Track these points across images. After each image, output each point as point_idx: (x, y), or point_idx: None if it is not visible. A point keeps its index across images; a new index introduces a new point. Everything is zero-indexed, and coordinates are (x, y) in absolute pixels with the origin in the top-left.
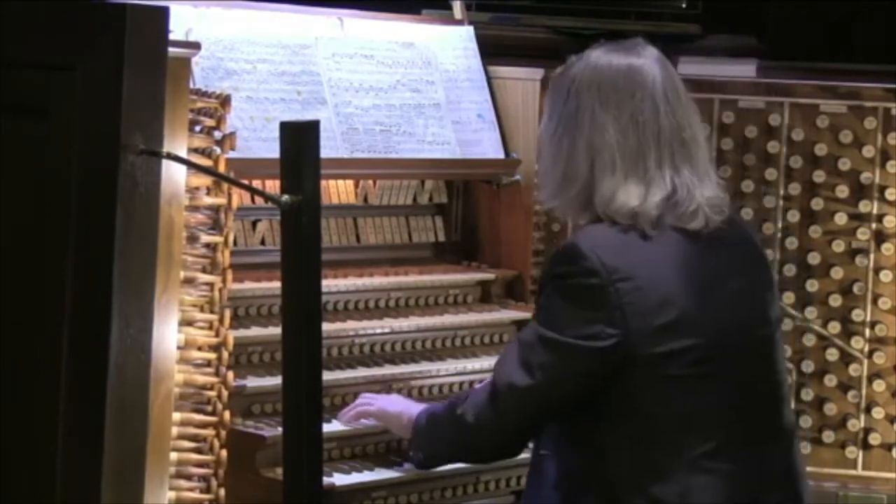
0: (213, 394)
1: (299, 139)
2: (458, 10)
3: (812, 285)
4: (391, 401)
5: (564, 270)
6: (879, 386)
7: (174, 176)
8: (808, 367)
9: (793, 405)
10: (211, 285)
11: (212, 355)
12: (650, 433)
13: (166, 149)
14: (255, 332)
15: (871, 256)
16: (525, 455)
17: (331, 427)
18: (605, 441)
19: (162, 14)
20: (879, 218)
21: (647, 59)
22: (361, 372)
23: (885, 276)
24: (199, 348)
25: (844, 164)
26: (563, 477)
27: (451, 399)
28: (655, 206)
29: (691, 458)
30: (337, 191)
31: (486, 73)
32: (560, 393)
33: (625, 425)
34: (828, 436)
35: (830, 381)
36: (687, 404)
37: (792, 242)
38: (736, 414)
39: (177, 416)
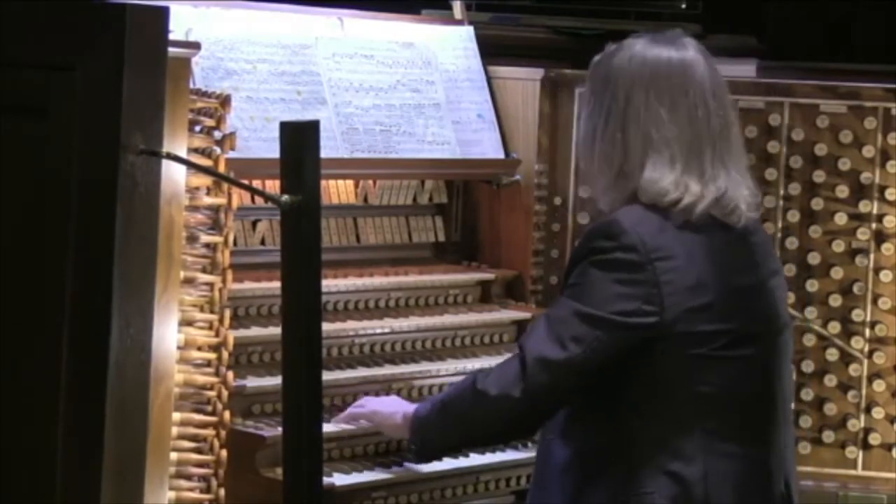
0: (213, 394)
1: (299, 139)
2: (458, 10)
3: (812, 285)
4: (384, 402)
5: (604, 245)
6: (879, 386)
7: (174, 176)
8: (808, 367)
9: (793, 405)
10: (211, 285)
11: (212, 355)
12: (674, 413)
13: (166, 149)
14: (255, 332)
15: (871, 256)
16: (526, 454)
17: (331, 427)
18: (628, 420)
19: (162, 14)
20: (879, 218)
21: (693, 53)
22: (361, 372)
23: (885, 276)
24: (199, 348)
25: (844, 164)
26: (577, 459)
27: (462, 382)
28: (707, 201)
29: (713, 439)
30: (337, 191)
31: (486, 73)
32: (592, 367)
33: (649, 404)
34: (828, 436)
35: (830, 381)
36: (712, 386)
37: (792, 242)
38: (757, 400)
39: (177, 416)
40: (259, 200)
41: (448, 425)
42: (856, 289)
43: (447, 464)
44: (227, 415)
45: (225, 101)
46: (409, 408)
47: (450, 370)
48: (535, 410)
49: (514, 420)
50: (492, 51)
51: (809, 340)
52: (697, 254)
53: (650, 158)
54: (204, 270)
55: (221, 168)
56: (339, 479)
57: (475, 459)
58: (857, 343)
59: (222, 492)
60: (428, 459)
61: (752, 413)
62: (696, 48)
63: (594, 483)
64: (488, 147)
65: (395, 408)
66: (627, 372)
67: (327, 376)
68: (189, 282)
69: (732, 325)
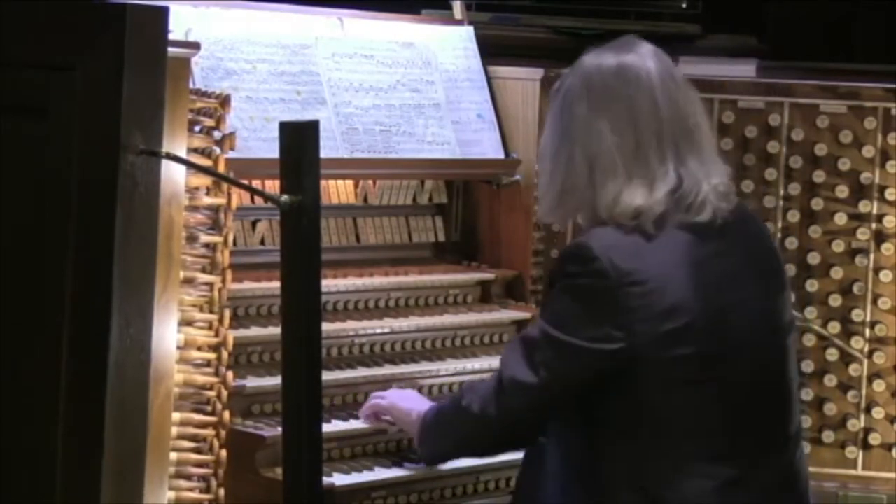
0: (212, 394)
1: (299, 139)
2: (458, 10)
3: (812, 285)
4: (403, 396)
5: (575, 270)
6: (879, 386)
7: (174, 176)
8: (808, 367)
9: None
10: (211, 285)
11: (211, 355)
12: (653, 436)
13: (166, 149)
14: (255, 332)
15: (871, 256)
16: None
17: (331, 427)
18: (607, 437)
19: (162, 14)
20: (879, 218)
21: (638, 55)
22: (361, 372)
23: (885, 276)
24: (199, 348)
25: (844, 164)
26: (563, 467)
27: (458, 392)
28: (659, 201)
29: (693, 462)
30: (337, 191)
31: (486, 73)
32: (563, 391)
33: (627, 423)
34: (828, 436)
35: (830, 381)
36: (691, 409)
37: (792, 242)
38: (742, 420)
39: (177, 416)
40: (259, 200)
41: (441, 436)
42: (856, 289)
43: (447, 463)
44: (226, 415)
45: (225, 101)
46: (424, 407)
47: (450, 370)
48: (513, 429)
49: (498, 438)
50: (492, 51)
51: (809, 340)
52: (676, 273)
53: (597, 175)
54: (204, 270)
55: (221, 168)
56: (339, 479)
57: (475, 459)
58: (857, 343)
59: (222, 492)
60: (430, 463)
61: (739, 435)
62: (647, 50)
63: (576, 491)
64: (488, 147)
65: (412, 405)
66: (606, 391)
67: (327, 376)
68: (189, 282)
69: (713, 345)
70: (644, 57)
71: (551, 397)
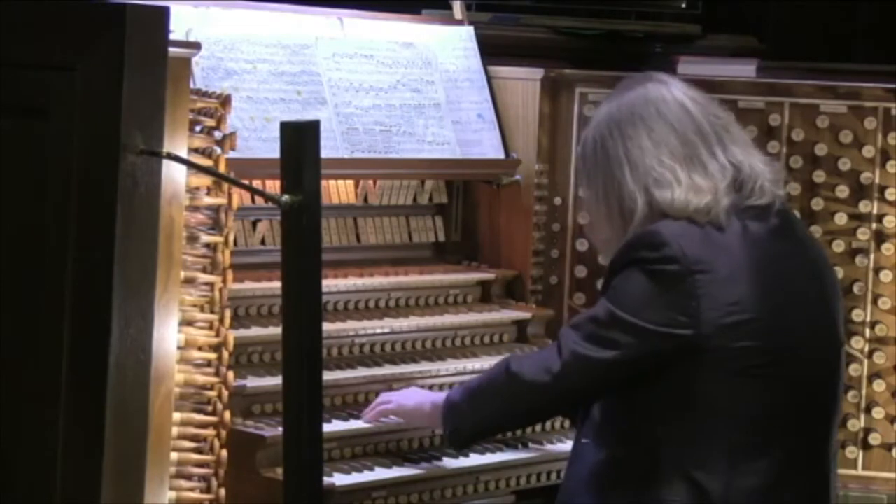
0: (213, 394)
1: (299, 139)
2: (458, 10)
3: None
4: (405, 395)
5: (646, 255)
6: (879, 386)
7: (174, 176)
8: None
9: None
10: (211, 285)
11: (212, 355)
12: (705, 425)
13: (166, 149)
14: (255, 332)
15: (871, 256)
16: (526, 455)
17: (331, 427)
18: (658, 427)
19: (162, 14)
20: (879, 218)
21: (652, 81)
22: (361, 372)
23: (885, 276)
24: (200, 348)
25: (844, 164)
26: (606, 463)
27: (492, 368)
28: (725, 192)
29: (741, 455)
30: (337, 191)
31: (486, 73)
32: (621, 372)
33: (680, 414)
34: None
35: None
36: (746, 402)
37: None
38: (792, 421)
39: (177, 416)
40: (259, 200)
41: (479, 409)
42: (856, 289)
43: (447, 464)
44: (227, 415)
45: (225, 101)
46: (434, 396)
47: (450, 370)
48: (563, 399)
49: (543, 404)
50: (492, 51)
51: None
52: (741, 265)
53: (654, 190)
54: (204, 270)
55: (221, 168)
56: (339, 479)
57: (475, 459)
58: (857, 343)
59: (222, 492)
60: (461, 446)
61: (790, 433)
62: (656, 77)
63: (619, 487)
64: (488, 147)
65: (419, 399)
66: (661, 381)
67: (327, 376)
68: (189, 282)
69: (774, 341)
70: (658, 82)
71: (611, 376)
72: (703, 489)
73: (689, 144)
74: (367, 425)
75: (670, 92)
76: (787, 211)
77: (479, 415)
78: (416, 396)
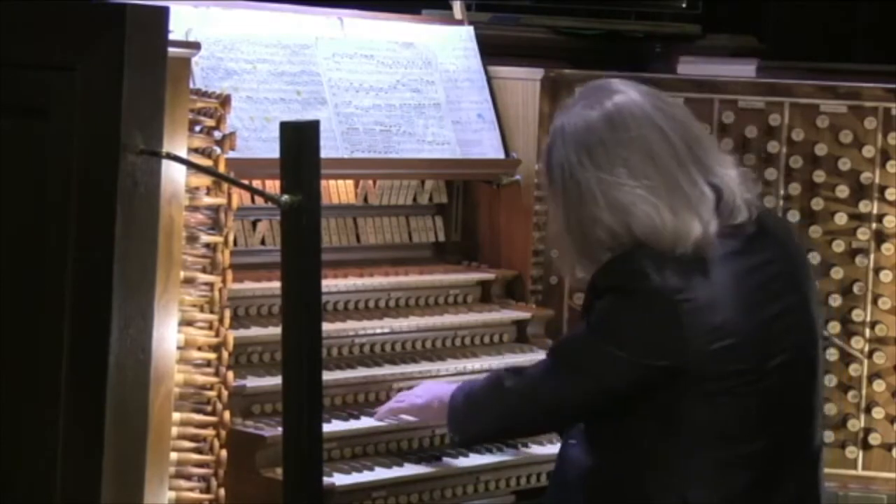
0: (213, 394)
1: (299, 139)
2: (458, 10)
3: None
4: (417, 393)
5: (626, 284)
6: (879, 386)
7: (174, 176)
8: None
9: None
10: (211, 285)
11: (212, 355)
12: (691, 443)
13: (166, 149)
14: (255, 332)
15: (871, 256)
16: (527, 454)
17: (331, 427)
18: (645, 445)
19: (162, 14)
20: (879, 218)
21: (619, 93)
22: (361, 372)
23: (885, 276)
24: (199, 348)
25: (844, 164)
26: (595, 470)
27: (493, 375)
28: (710, 222)
29: (729, 468)
30: (337, 191)
31: (486, 73)
32: (603, 398)
33: (667, 433)
34: (828, 436)
35: (830, 381)
36: (731, 419)
37: None
38: (775, 431)
39: (177, 416)
40: (259, 200)
41: (476, 419)
42: (856, 289)
43: (447, 464)
44: (227, 415)
45: (225, 101)
46: (442, 392)
47: (450, 370)
48: (550, 419)
49: (530, 423)
50: (492, 51)
51: None
52: (723, 290)
53: (635, 226)
54: (204, 270)
55: (221, 168)
56: (339, 479)
57: (475, 459)
58: (857, 343)
59: (222, 492)
60: (467, 446)
61: (771, 445)
62: (621, 85)
63: (608, 498)
64: (488, 147)
65: (429, 396)
66: (648, 403)
67: (327, 376)
68: (189, 282)
69: (756, 361)
70: (622, 91)
71: (594, 401)
72: (688, 502)
73: (668, 174)
74: (367, 425)
75: (639, 107)
76: (762, 216)
77: (476, 426)
78: (426, 394)
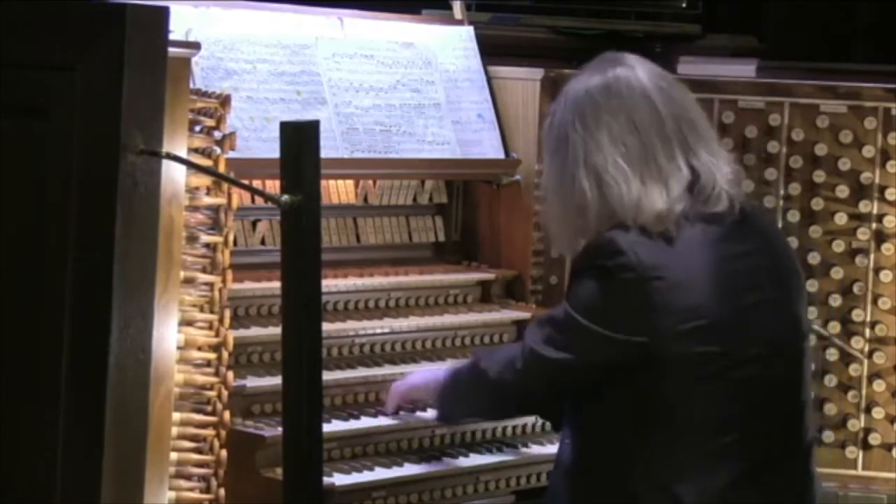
0: (213, 394)
1: (299, 139)
2: (458, 10)
3: (812, 285)
4: (415, 376)
5: (602, 263)
6: (879, 386)
7: (174, 176)
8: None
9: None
10: (211, 285)
11: (212, 355)
12: (673, 432)
13: (166, 149)
14: (255, 332)
15: (871, 256)
16: (527, 454)
17: (331, 427)
18: (628, 435)
19: (162, 14)
20: (879, 218)
21: (624, 66)
22: (361, 372)
23: (885, 276)
24: (199, 348)
25: (844, 164)
26: (581, 465)
27: (475, 356)
28: (678, 199)
29: (711, 460)
30: (337, 191)
31: (486, 73)
32: (579, 375)
33: (649, 422)
34: (828, 436)
35: (830, 381)
36: (709, 406)
37: (792, 242)
38: (757, 425)
39: (177, 416)
40: (259, 200)
41: (456, 397)
42: (856, 289)
43: (447, 464)
44: (227, 415)
45: (225, 101)
46: (435, 375)
47: None
48: (525, 397)
49: (506, 402)
50: (492, 51)
51: (810, 340)
52: (698, 272)
53: (605, 188)
54: (204, 270)
55: (221, 168)
56: (339, 479)
57: (475, 459)
58: (857, 343)
59: (222, 492)
60: (447, 423)
61: (755, 439)
62: (630, 59)
63: (593, 492)
64: (488, 147)
65: (425, 376)
66: (628, 389)
67: (327, 376)
68: (189, 282)
69: (733, 347)
70: (629, 66)
71: (569, 378)
72: (675, 497)
73: (647, 146)
74: (367, 425)
75: (638, 80)
76: (747, 209)
77: (459, 408)
78: (420, 376)
